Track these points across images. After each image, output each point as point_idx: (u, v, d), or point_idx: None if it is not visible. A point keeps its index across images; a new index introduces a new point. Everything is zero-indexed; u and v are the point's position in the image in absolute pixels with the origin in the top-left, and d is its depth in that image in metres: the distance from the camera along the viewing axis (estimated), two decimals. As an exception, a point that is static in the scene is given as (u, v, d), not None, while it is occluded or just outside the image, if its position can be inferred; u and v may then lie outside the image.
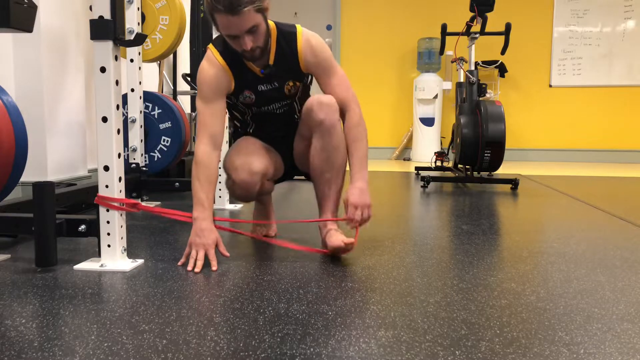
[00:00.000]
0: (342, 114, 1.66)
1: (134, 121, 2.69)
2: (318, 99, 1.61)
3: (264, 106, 1.71)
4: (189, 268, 1.47)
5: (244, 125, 1.81)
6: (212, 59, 1.62)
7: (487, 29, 3.66)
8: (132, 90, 2.67)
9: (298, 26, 1.66)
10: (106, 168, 1.47)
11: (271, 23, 1.62)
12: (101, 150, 1.47)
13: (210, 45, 1.64)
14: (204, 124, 1.60)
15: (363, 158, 1.63)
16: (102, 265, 1.48)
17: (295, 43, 1.62)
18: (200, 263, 1.48)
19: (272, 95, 1.69)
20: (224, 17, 1.45)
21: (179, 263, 1.54)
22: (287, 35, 1.63)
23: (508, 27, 3.68)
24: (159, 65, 3.73)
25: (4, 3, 1.48)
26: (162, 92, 3.73)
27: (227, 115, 1.89)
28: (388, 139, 6.48)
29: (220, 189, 2.56)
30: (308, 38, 1.63)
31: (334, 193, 1.68)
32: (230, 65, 1.63)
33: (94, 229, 1.53)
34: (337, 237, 1.59)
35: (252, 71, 1.64)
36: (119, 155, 1.49)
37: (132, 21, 2.48)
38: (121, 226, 1.51)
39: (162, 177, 3.04)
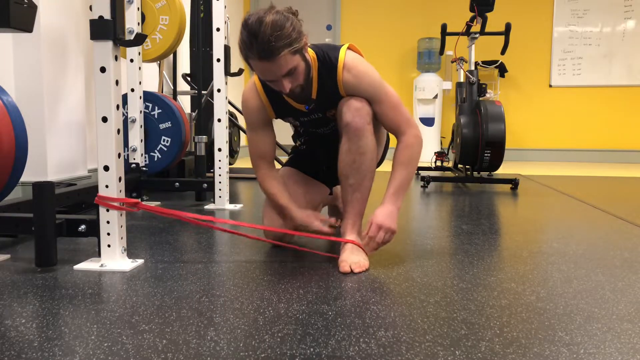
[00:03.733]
0: (396, 137, 1.59)
1: (134, 121, 2.69)
2: (347, 101, 1.52)
3: (310, 129, 1.72)
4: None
5: (297, 135, 1.86)
6: (254, 90, 1.63)
7: (487, 29, 3.66)
8: (132, 90, 2.67)
9: (342, 52, 1.54)
10: (106, 168, 1.47)
11: (312, 53, 1.53)
12: (101, 150, 1.47)
13: (255, 77, 1.62)
14: (255, 152, 1.69)
15: (403, 185, 1.55)
16: (102, 265, 1.48)
17: (335, 76, 1.53)
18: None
19: (316, 123, 1.67)
20: (259, 63, 1.38)
21: None
22: (328, 68, 1.53)
23: (508, 27, 3.68)
24: (159, 65, 3.72)
25: (4, 3, 1.48)
26: (162, 92, 3.73)
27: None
28: (388, 139, 6.49)
29: (220, 189, 2.56)
30: (349, 68, 1.52)
31: (356, 201, 1.58)
32: (270, 99, 1.62)
33: (94, 229, 1.53)
34: (347, 262, 1.49)
35: (296, 108, 1.61)
36: (119, 155, 1.49)
37: (132, 21, 2.48)
38: (121, 226, 1.51)
39: (162, 177, 3.04)
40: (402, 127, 1.57)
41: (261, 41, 1.33)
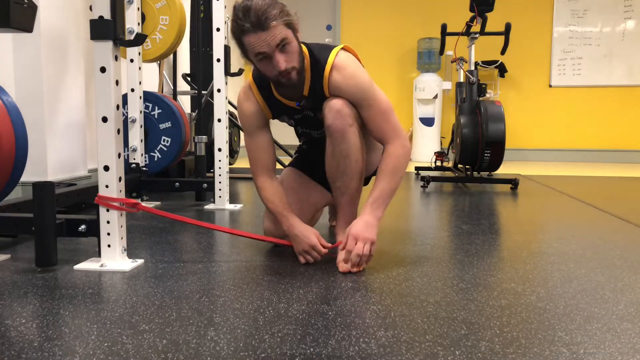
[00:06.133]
0: (383, 146, 1.54)
1: (134, 121, 2.69)
2: (329, 103, 1.50)
3: (305, 129, 1.72)
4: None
5: (297, 135, 1.84)
6: (250, 93, 1.62)
7: (487, 29, 3.66)
8: (132, 90, 2.67)
9: (333, 53, 1.51)
10: (106, 168, 1.47)
11: (305, 50, 1.52)
12: (101, 150, 1.47)
13: (250, 79, 1.62)
14: (255, 159, 1.65)
15: (384, 195, 1.48)
16: (102, 265, 1.48)
17: (322, 75, 1.51)
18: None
19: (309, 123, 1.66)
20: (252, 35, 1.37)
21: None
22: (318, 66, 1.51)
23: (508, 27, 3.68)
24: (159, 65, 3.72)
25: (4, 3, 1.48)
26: (162, 92, 3.73)
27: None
28: (388, 139, 6.48)
29: (220, 189, 2.56)
30: (338, 69, 1.50)
31: (346, 203, 1.59)
32: (265, 98, 1.60)
33: (94, 229, 1.53)
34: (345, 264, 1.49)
35: (288, 105, 1.60)
36: (119, 155, 1.49)
37: (132, 21, 2.47)
38: (121, 226, 1.51)
39: (162, 177, 3.04)
40: (389, 135, 1.52)
41: (254, 11, 1.35)
